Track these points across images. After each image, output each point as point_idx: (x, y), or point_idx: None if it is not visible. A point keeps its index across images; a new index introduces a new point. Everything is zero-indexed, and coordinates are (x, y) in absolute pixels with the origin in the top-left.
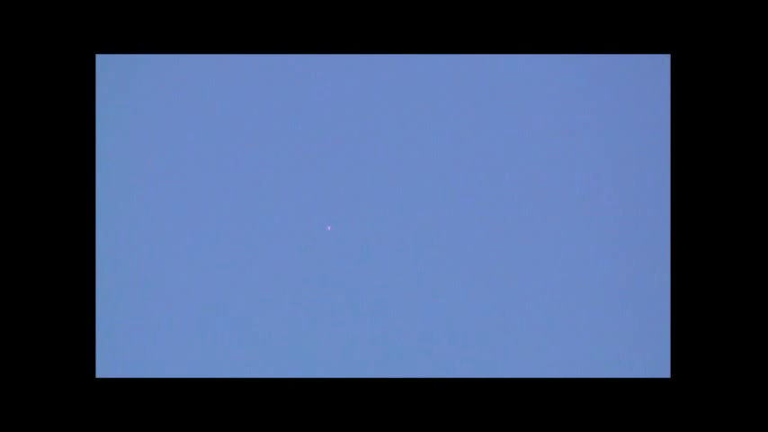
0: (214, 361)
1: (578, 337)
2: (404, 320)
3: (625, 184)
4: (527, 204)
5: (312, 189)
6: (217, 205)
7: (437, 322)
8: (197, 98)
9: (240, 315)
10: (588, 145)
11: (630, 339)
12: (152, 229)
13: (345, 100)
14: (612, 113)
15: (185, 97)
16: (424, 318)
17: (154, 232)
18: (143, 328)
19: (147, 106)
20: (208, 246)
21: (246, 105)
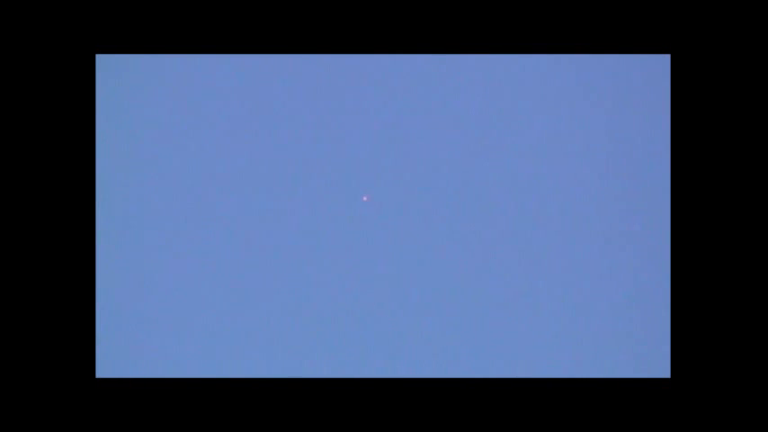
0: (214, 361)
1: (578, 337)
2: (403, 320)
3: (625, 184)
4: (527, 204)
5: (312, 189)
6: (217, 205)
7: (436, 322)
8: (197, 98)
9: (240, 315)
10: (588, 145)
11: (630, 339)
12: (152, 229)
13: (345, 100)
14: (612, 113)
15: (185, 97)
16: (423, 317)
17: (154, 232)
18: (143, 328)
19: (147, 106)
20: (208, 246)
21: (247, 105)
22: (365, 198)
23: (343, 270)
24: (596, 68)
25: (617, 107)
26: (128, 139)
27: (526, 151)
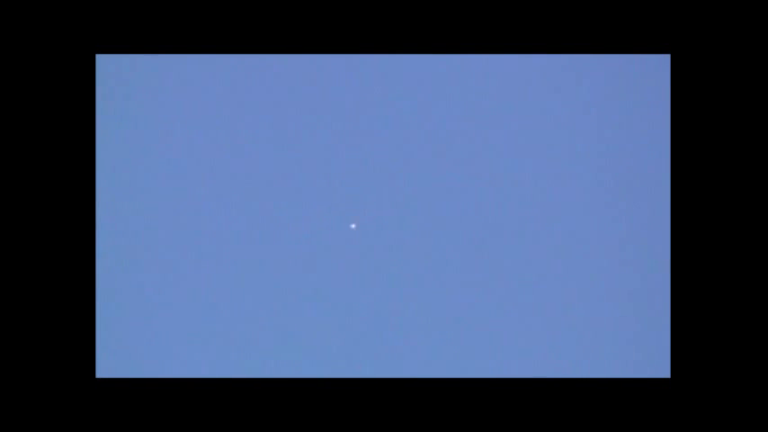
0: (214, 361)
1: (578, 337)
2: (403, 320)
3: (625, 184)
4: (527, 204)
5: (312, 189)
6: (217, 205)
7: (436, 322)
8: (197, 98)
9: (240, 315)
10: (588, 145)
11: (630, 339)
12: (152, 228)
13: (345, 100)
14: (612, 113)
15: (185, 97)
16: (423, 317)
17: (154, 232)
18: (143, 328)
19: (147, 106)
20: (208, 246)
21: (246, 105)
22: (353, 226)
23: (343, 270)
24: (596, 68)
25: (617, 107)
26: (128, 139)
27: (526, 151)
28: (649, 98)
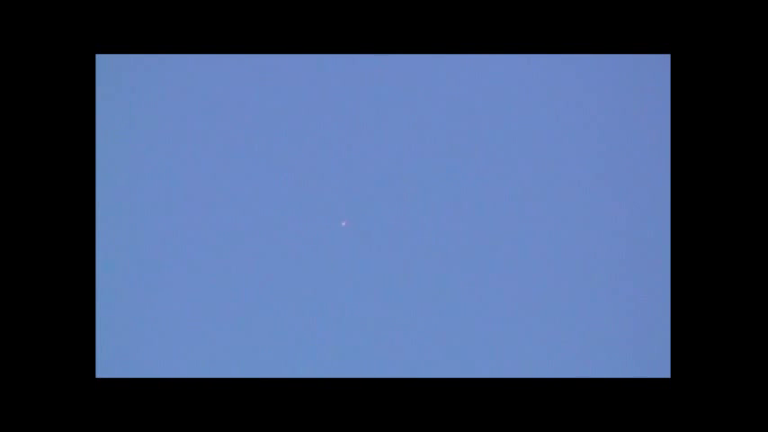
0: (214, 361)
1: (579, 337)
2: (403, 321)
3: (625, 184)
4: (527, 204)
5: (310, 188)
6: (216, 205)
7: (437, 322)
8: (197, 98)
9: (240, 315)
10: (588, 145)
11: (630, 339)
12: (152, 228)
13: (345, 100)
14: (612, 113)
15: (185, 97)
16: (423, 318)
17: (154, 232)
18: (143, 328)
19: (147, 106)
20: (207, 246)
21: (246, 105)
22: (344, 223)
23: (343, 270)
24: (596, 68)
25: (617, 107)
26: (127, 139)
27: (526, 151)
28: (649, 98)
